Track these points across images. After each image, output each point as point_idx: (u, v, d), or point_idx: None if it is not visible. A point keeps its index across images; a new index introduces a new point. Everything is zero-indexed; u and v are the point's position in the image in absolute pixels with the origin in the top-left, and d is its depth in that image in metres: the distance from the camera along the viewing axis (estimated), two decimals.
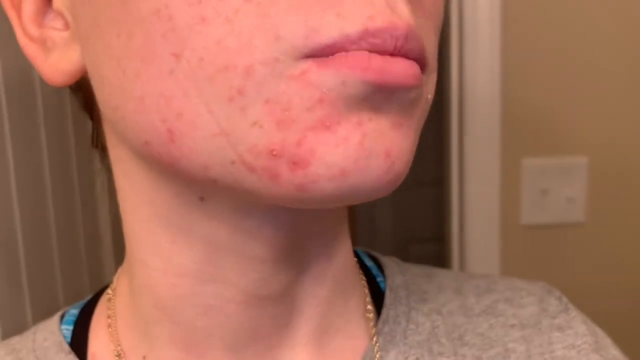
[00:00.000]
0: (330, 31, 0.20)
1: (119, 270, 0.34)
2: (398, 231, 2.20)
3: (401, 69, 0.21)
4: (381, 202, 2.17)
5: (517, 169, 0.98)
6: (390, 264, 0.37)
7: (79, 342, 0.32)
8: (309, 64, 0.20)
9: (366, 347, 0.32)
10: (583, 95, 0.97)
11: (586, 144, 0.98)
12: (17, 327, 0.59)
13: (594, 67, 0.96)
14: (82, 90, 0.31)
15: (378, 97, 0.21)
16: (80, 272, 0.80)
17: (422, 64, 0.23)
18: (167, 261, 0.28)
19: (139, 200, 0.28)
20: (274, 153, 0.21)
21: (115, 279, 0.34)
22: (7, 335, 0.56)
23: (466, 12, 0.94)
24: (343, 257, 0.32)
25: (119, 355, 0.31)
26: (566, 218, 0.99)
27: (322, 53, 0.21)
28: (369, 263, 0.37)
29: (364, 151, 0.21)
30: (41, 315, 0.59)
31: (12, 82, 0.65)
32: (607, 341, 0.36)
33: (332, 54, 0.21)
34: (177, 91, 0.21)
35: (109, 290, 0.33)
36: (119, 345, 0.31)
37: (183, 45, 0.21)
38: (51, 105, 0.75)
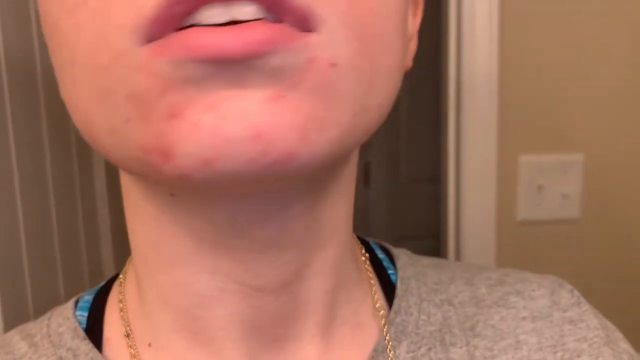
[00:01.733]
0: (150, 2, 0.19)
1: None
2: (392, 228, 2.20)
3: (230, 39, 0.19)
4: (375, 198, 2.17)
5: (513, 165, 0.98)
6: (401, 255, 0.37)
7: (94, 327, 0.32)
8: (148, 52, 0.20)
9: (377, 338, 0.32)
10: (579, 93, 0.97)
11: (582, 142, 0.98)
12: (18, 320, 0.60)
13: (590, 66, 0.96)
14: None
15: (227, 73, 0.20)
16: (81, 266, 0.80)
17: (300, 19, 0.20)
18: (159, 251, 0.28)
19: (130, 194, 0.28)
20: (146, 148, 0.21)
21: (127, 263, 0.34)
22: (9, 327, 0.57)
23: (464, 9, 0.95)
24: (343, 248, 0.31)
25: (127, 336, 0.31)
26: (562, 214, 1.00)
27: (155, 31, 0.20)
28: (380, 255, 0.36)
29: (220, 136, 0.19)
30: (42, 307, 0.60)
31: (15, 83, 0.65)
32: (617, 335, 0.36)
33: (162, 27, 0.20)
34: (81, 94, 0.22)
35: (120, 275, 0.33)
36: (129, 327, 0.31)
37: (73, 53, 0.21)
38: (53, 106, 0.75)
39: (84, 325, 0.32)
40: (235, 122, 0.20)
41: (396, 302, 0.33)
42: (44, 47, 0.72)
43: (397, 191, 2.19)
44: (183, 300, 0.28)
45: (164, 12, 0.19)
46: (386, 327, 0.32)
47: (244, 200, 0.25)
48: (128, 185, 0.28)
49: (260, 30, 0.20)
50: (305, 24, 0.20)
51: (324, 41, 0.20)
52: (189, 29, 0.19)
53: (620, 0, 0.95)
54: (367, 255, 0.35)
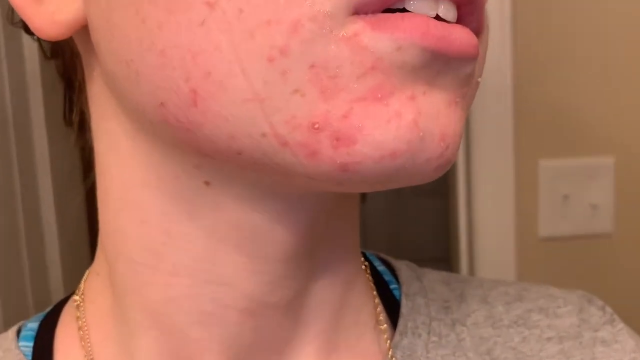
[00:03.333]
0: None
1: (87, 272, 0.33)
2: (392, 249, 2.16)
3: (461, 36, 0.22)
4: (373, 214, 2.14)
5: (533, 172, 0.95)
6: (404, 268, 0.36)
7: (42, 359, 0.31)
8: (361, 25, 0.20)
9: None
10: (606, 87, 0.93)
11: (612, 143, 0.94)
12: None
13: (618, 56, 0.92)
14: (62, 55, 0.32)
15: (434, 68, 0.21)
16: (24, 292, 0.77)
17: (477, 33, 0.23)
18: (159, 257, 0.27)
19: (129, 184, 0.27)
20: (316, 127, 0.21)
21: (82, 283, 0.33)
22: None
23: None
24: (353, 263, 0.31)
25: None
26: (591, 228, 0.96)
27: (369, 4, 0.20)
28: (380, 267, 0.36)
29: (417, 131, 0.21)
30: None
31: None
32: None
33: (383, 6, 0.21)
34: (207, 45, 0.21)
35: (75, 297, 0.32)
36: (92, 356, 0.30)
37: None
38: None
39: (30, 358, 0.31)
40: (429, 120, 0.21)
41: (401, 321, 0.33)
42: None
43: (397, 206, 2.18)
44: (178, 318, 0.27)
45: None
46: (391, 350, 0.32)
47: (302, 200, 0.25)
48: (132, 180, 0.27)
49: (473, 36, 0.22)
50: (477, 35, 0.23)
51: (481, 55, 0.24)
52: (409, 14, 0.21)
53: None
54: (367, 264, 0.34)
